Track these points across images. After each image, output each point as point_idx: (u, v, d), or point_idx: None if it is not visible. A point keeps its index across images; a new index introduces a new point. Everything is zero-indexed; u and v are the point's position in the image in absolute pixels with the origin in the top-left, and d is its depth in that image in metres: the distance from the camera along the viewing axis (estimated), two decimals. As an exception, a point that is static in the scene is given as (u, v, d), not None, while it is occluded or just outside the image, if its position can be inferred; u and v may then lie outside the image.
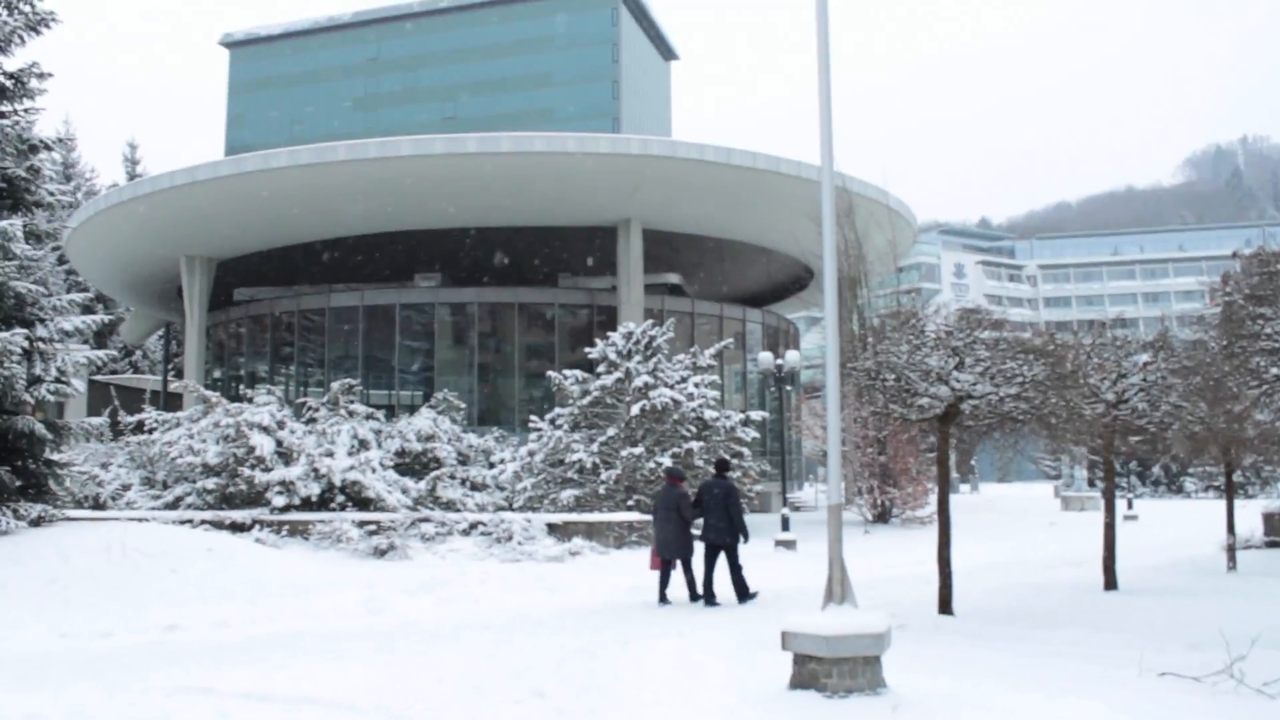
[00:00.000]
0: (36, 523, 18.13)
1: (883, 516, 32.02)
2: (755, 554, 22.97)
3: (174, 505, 25.15)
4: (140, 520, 22.13)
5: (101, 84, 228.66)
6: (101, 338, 65.88)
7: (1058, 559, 21.61)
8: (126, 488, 26.58)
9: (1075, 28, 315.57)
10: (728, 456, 27.37)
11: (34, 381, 18.43)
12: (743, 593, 14.98)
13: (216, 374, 44.39)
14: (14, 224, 17.52)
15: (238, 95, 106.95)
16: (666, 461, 25.83)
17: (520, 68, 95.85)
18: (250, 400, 27.81)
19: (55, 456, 19.91)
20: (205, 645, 10.84)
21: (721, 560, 15.18)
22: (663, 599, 14.86)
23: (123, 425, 29.64)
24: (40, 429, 17.93)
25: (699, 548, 15.24)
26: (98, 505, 26.28)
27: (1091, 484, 58.93)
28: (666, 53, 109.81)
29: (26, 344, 17.60)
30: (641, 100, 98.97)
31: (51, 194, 19.78)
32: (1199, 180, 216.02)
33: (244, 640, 11.24)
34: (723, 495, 15.21)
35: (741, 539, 15.27)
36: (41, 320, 18.91)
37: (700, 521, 15.27)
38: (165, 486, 26.10)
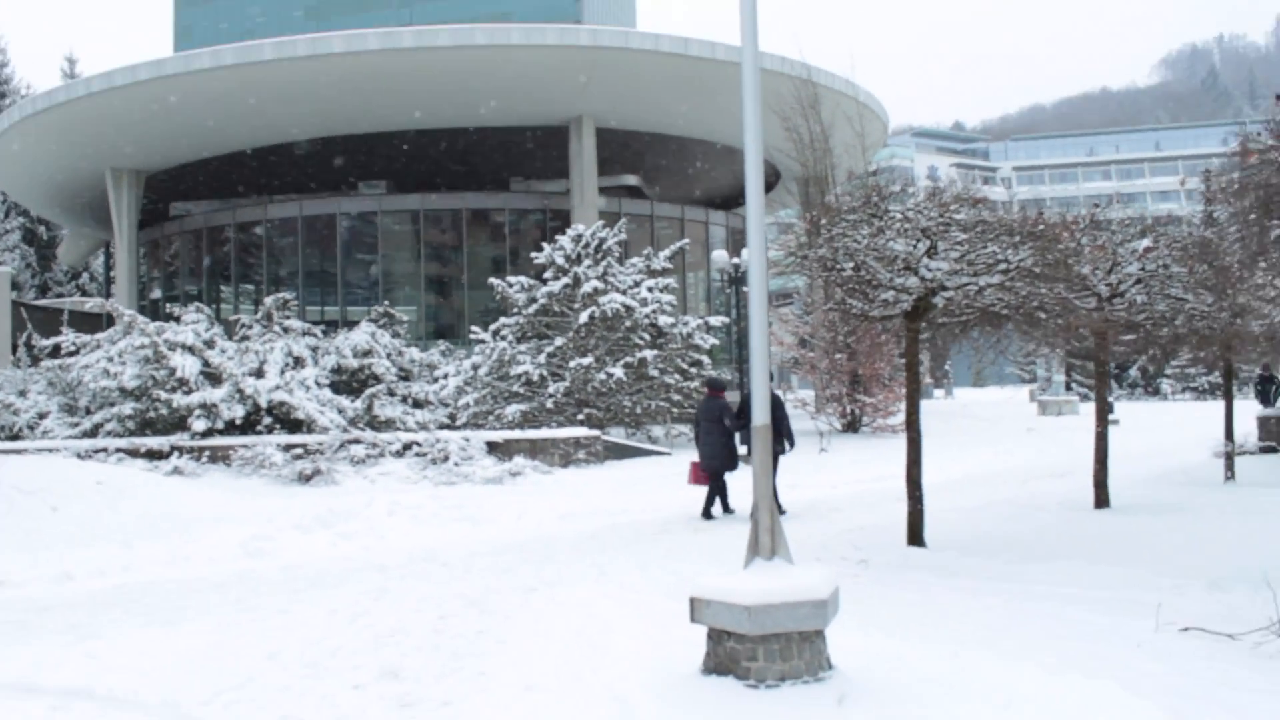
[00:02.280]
0: (-101, 458, 16.21)
1: (852, 425, 30.41)
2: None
3: (93, 433, 23.35)
4: (19, 451, 20.31)
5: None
6: (45, 259, 63.62)
7: (1039, 469, 19.99)
8: (44, 416, 24.74)
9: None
10: (686, 365, 25.68)
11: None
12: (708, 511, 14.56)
13: (156, 294, 42.15)
14: None
15: (185, 7, 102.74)
16: (618, 372, 24.09)
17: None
18: (177, 319, 25.87)
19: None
20: (24, 606, 9.04)
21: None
22: (708, 514, 14.45)
23: (38, 350, 27.65)
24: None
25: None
26: (14, 436, 24.51)
27: (1069, 387, 57.69)
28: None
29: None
30: (604, 4, 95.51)
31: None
32: (1174, 80, 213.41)
33: (79, 597, 9.46)
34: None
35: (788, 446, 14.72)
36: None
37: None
38: (88, 413, 24.23)
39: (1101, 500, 13.51)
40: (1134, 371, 59.41)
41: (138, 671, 6.55)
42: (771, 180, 43.75)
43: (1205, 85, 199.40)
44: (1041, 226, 10.05)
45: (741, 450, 14.53)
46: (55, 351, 26.11)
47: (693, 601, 5.79)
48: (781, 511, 13.81)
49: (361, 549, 12.00)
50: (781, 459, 14.43)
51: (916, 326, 10.46)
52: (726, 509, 14.67)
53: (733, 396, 20.79)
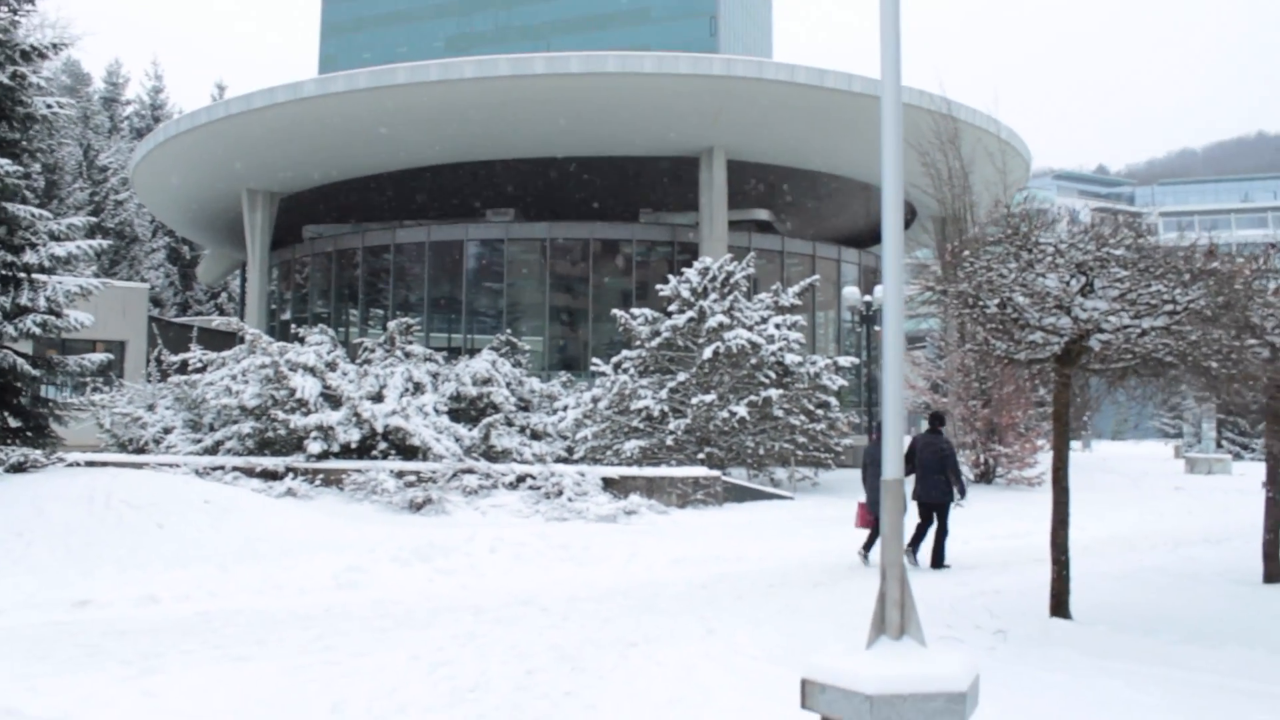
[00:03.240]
0: (18, 468, 16.17)
1: (986, 476, 28.99)
2: (840, 517, 20.30)
3: (213, 450, 23.36)
4: (139, 465, 20.29)
5: (194, 28, 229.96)
6: (186, 278, 65.37)
7: (1191, 534, 18.50)
8: (169, 430, 24.91)
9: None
10: (813, 406, 24.68)
11: (19, 312, 16.41)
12: (939, 559, 14.04)
13: (285, 315, 42.65)
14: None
15: (330, 37, 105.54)
16: (741, 411, 23.22)
17: (615, 4, 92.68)
18: (301, 340, 25.84)
19: (55, 395, 18.00)
20: (101, 630, 8.60)
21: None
22: (867, 558, 14.06)
23: (166, 365, 27.95)
24: (23, 364, 15.94)
25: (911, 507, 13.85)
26: (140, 449, 24.72)
27: (1219, 444, 54.80)
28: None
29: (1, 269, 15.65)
30: (740, 38, 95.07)
31: (49, 106, 17.65)
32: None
33: (159, 623, 9.00)
34: (939, 451, 14.26)
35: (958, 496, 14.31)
36: (33, 245, 16.87)
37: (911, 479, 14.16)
38: (211, 430, 24.29)
39: (1273, 574, 12.19)
40: None
41: (187, 718, 5.94)
42: (908, 218, 42.49)
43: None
44: (1216, 263, 8.94)
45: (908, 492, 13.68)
46: (184, 368, 26.32)
47: (804, 684, 4.91)
48: (946, 565, 13.92)
49: (458, 586, 11.36)
50: (952, 509, 14.27)
51: (1068, 372, 9.43)
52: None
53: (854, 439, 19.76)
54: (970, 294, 9.15)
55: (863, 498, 14.68)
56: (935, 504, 14.19)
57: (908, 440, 14.85)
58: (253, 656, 7.66)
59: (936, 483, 14.15)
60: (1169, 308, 8.59)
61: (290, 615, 9.47)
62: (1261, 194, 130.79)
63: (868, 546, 14.17)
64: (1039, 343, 9.07)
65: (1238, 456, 49.91)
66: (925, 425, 15.20)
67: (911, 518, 13.68)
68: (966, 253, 9.32)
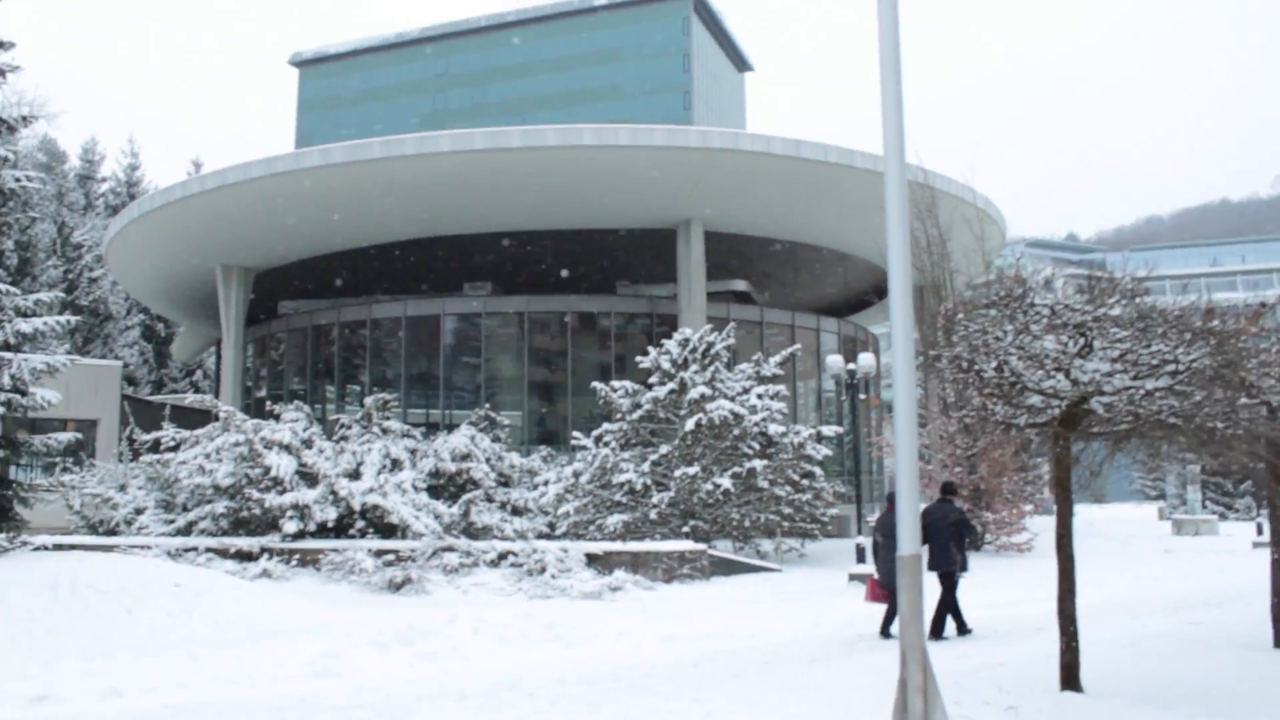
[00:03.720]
0: (-18, 554, 15.63)
1: (973, 543, 28.60)
2: (830, 589, 19.93)
3: (186, 531, 22.86)
4: (109, 547, 19.78)
5: (171, 106, 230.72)
6: (161, 355, 64.74)
7: (1189, 597, 18.14)
8: (140, 511, 24.35)
9: (1153, 37, 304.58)
10: (798, 477, 24.34)
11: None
12: (938, 629, 13.71)
13: (261, 392, 42.12)
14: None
15: (307, 114, 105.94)
16: (725, 483, 22.87)
17: (589, 80, 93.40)
18: (276, 417, 25.38)
19: (24, 476, 17.50)
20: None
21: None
22: (886, 633, 13.49)
23: (138, 444, 27.38)
24: (-14, 446, 15.49)
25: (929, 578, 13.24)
26: (111, 531, 24.13)
27: (1204, 505, 54.61)
28: (740, 63, 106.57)
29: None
30: (715, 112, 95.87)
31: (18, 180, 17.37)
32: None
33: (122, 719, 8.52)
34: (955, 521, 14.06)
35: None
36: (-3, 322, 16.49)
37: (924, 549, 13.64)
38: (184, 510, 23.75)
39: (1281, 639, 11.87)
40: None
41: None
42: (885, 287, 42.47)
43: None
44: (1216, 322, 8.72)
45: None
46: (156, 446, 25.79)
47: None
48: (968, 631, 13.75)
49: (441, 671, 10.89)
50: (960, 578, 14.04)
51: (1068, 436, 9.17)
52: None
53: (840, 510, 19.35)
54: (965, 358, 8.89)
55: (874, 571, 14.50)
56: (945, 573, 13.92)
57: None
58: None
59: (950, 552, 13.90)
60: (1171, 368, 8.35)
61: (262, 707, 9.01)
62: (1229, 258, 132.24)
63: (887, 622, 13.68)
64: (1039, 406, 8.81)
65: (1222, 517, 49.76)
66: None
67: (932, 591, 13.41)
68: (960, 316, 9.08)
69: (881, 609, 14.19)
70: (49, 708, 8.92)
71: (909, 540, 5.26)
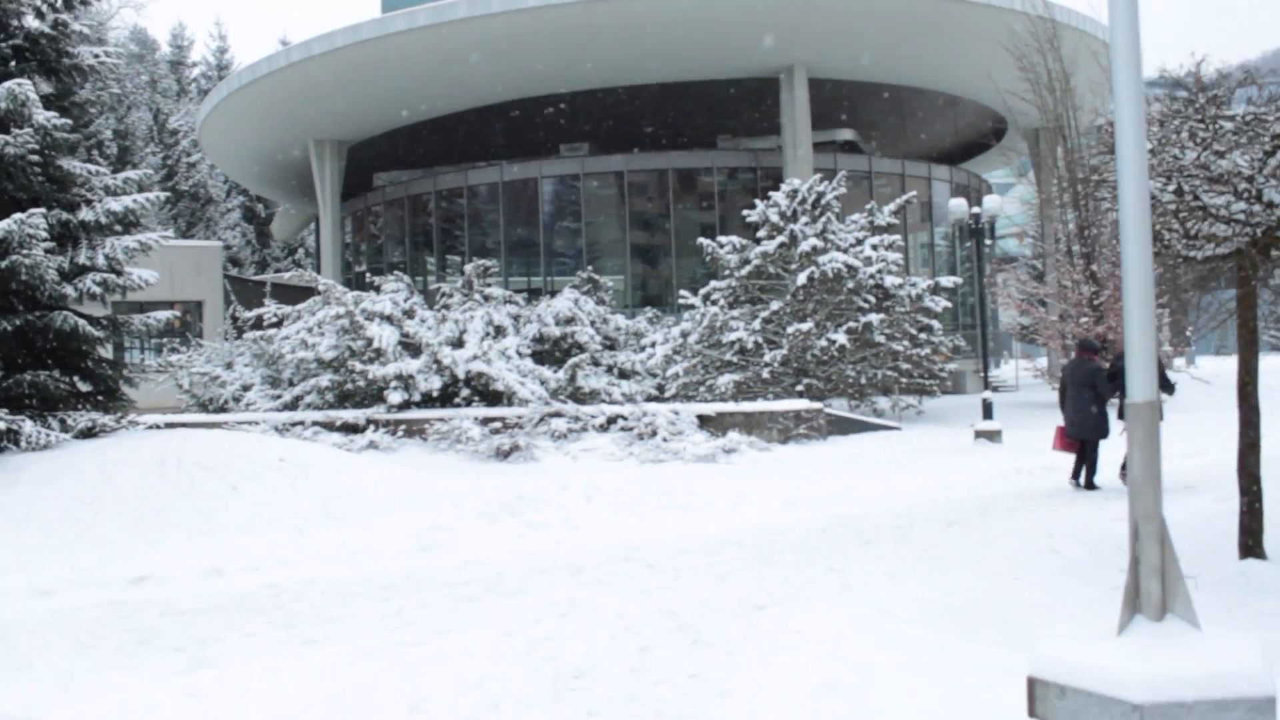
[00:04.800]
0: (87, 433, 15.35)
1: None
2: (955, 447, 18.98)
3: (293, 406, 22.65)
4: (215, 425, 19.58)
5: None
6: (263, 236, 65.12)
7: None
8: (248, 388, 24.25)
9: None
10: (915, 331, 23.22)
11: (78, 272, 15.52)
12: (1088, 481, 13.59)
13: (361, 266, 41.86)
14: (23, 84, 14.41)
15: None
16: (840, 338, 21.86)
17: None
18: (377, 289, 24.94)
19: (115, 357, 17.19)
20: (160, 610, 7.64)
21: None
22: (1078, 483, 13.55)
23: (241, 321, 27.23)
24: (85, 326, 15.04)
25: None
26: (220, 409, 24.08)
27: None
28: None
29: (55, 227, 14.75)
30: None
31: (96, 56, 16.65)
32: None
33: (223, 599, 8.00)
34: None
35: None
36: (88, 202, 15.94)
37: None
38: (290, 385, 23.56)
39: None
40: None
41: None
42: (1000, 130, 40.45)
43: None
44: None
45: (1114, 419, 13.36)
46: (259, 324, 25.58)
47: (1034, 684, 3.63)
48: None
49: (552, 543, 10.22)
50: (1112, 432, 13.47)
51: (1252, 271, 7.98)
52: (1091, 485, 13.49)
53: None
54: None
55: (1060, 421, 14.09)
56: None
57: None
58: (322, 639, 6.60)
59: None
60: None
61: (367, 585, 8.42)
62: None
63: (1076, 473, 13.60)
64: (1221, 236, 7.62)
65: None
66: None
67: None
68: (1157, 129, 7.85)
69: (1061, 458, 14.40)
70: (149, 589, 8.45)
71: (1142, 384, 4.27)
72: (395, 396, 20.95)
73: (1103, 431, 13.54)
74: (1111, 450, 13.83)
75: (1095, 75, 28.97)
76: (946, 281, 24.76)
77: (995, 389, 33.71)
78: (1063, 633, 3.99)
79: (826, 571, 8.25)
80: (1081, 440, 13.57)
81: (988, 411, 19.93)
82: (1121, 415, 12.93)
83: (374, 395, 21.74)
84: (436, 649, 6.20)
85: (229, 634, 6.83)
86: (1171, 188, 7.57)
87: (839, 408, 22.36)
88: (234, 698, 5.44)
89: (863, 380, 22.96)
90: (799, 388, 22.44)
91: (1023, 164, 42.88)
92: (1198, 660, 3.52)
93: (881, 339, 22.61)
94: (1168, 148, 7.60)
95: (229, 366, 25.48)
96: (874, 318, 22.42)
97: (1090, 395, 13.55)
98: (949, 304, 24.77)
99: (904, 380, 23.37)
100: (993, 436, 19.21)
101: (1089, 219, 27.78)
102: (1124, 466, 12.79)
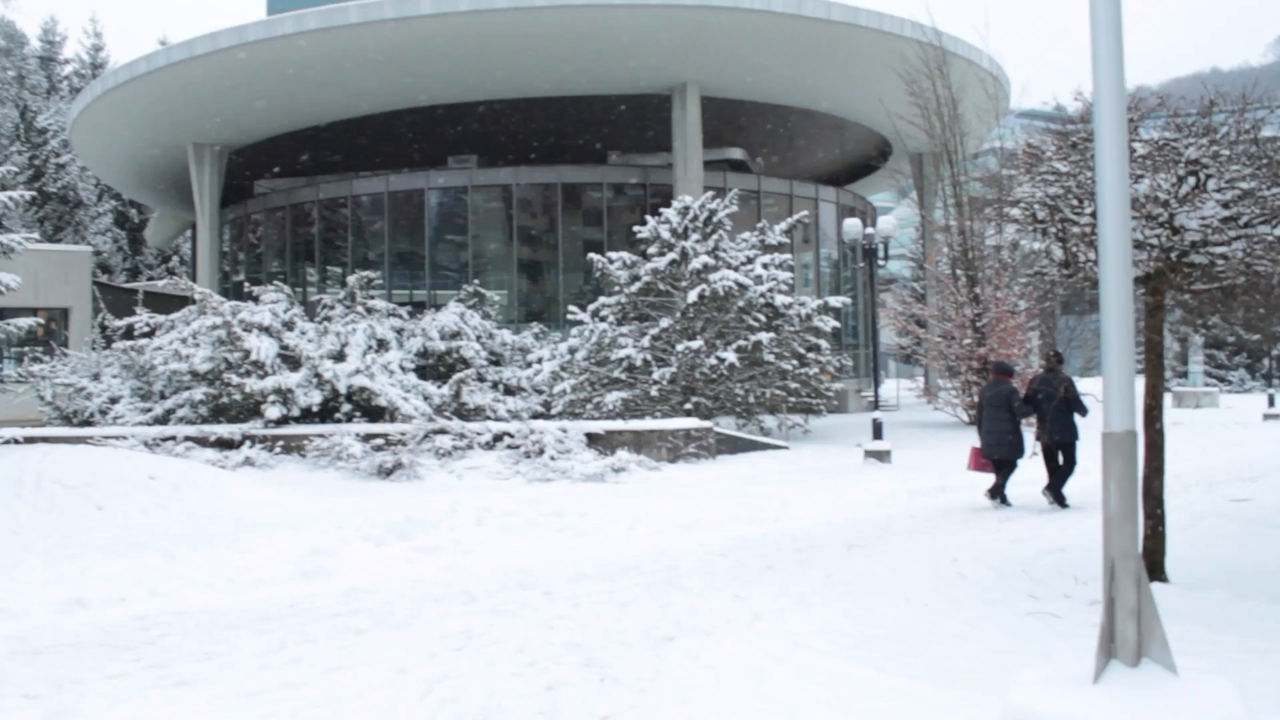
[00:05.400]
0: (-64, 448, 14.46)
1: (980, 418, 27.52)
2: (845, 466, 18.97)
3: (164, 420, 21.71)
4: (79, 440, 18.68)
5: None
6: (136, 242, 62.98)
7: (1218, 472, 17.12)
8: (115, 400, 23.17)
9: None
10: (803, 350, 23.24)
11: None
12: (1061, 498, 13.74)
13: (239, 276, 40.63)
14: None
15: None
16: (730, 357, 21.77)
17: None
18: (256, 299, 24.12)
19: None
20: (8, 649, 6.98)
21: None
22: (995, 501, 13.90)
23: (111, 330, 26.09)
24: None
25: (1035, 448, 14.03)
26: (85, 422, 22.98)
27: (1213, 377, 53.95)
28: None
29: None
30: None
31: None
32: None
33: (84, 635, 7.36)
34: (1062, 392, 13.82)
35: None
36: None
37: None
38: (161, 398, 22.57)
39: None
40: (1269, 361, 55.00)
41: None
42: (884, 152, 41.02)
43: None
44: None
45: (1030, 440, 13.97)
46: (130, 333, 24.54)
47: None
48: (1065, 505, 13.49)
49: (443, 568, 9.77)
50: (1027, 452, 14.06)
51: (1161, 297, 7.98)
52: (1004, 500, 13.90)
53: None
54: (1049, 203, 7.63)
55: (976, 441, 14.53)
56: (1061, 443, 13.72)
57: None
58: (197, 680, 6.09)
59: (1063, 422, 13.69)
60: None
61: (246, 615, 7.88)
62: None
63: (994, 492, 13.92)
64: (1134, 259, 7.57)
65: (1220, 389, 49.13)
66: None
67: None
68: (1049, 154, 7.79)
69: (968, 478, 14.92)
70: (2, 624, 7.79)
71: (1120, 413, 4.08)
72: (274, 411, 20.25)
73: (1018, 451, 13.89)
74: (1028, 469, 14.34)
75: (981, 102, 29.54)
76: (835, 301, 24.89)
77: (878, 407, 34.04)
78: (1032, 679, 3.77)
79: (733, 599, 7.99)
80: (997, 460, 13.94)
81: (878, 431, 20.00)
82: (1038, 437, 13.79)
83: (251, 410, 21.00)
84: (325, 690, 5.75)
85: (91, 676, 6.27)
86: (1089, 209, 7.51)
87: (727, 426, 22.25)
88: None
89: (751, 399, 22.90)
90: (687, 406, 22.29)
91: (905, 186, 43.62)
92: (1181, 710, 3.33)
93: (771, 358, 22.58)
94: (1083, 170, 7.54)
95: (96, 378, 24.36)
96: (764, 336, 22.38)
97: (1006, 416, 13.91)
98: (838, 324, 24.89)
99: (791, 399, 23.38)
100: (882, 456, 19.26)
101: (972, 242, 28.22)
102: (1047, 487, 13.66)
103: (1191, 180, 7.14)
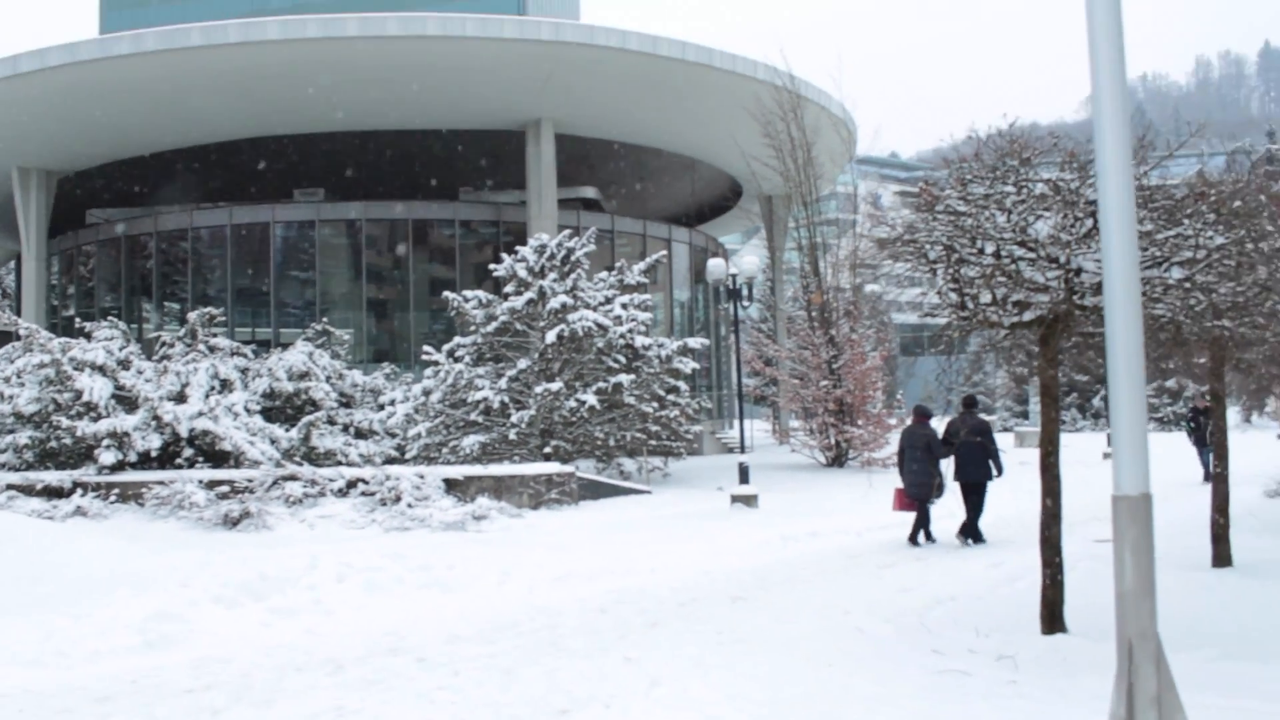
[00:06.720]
0: None
1: (838, 459, 27.73)
2: (712, 511, 18.66)
3: (-16, 464, 20.19)
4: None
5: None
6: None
7: (1075, 512, 17.18)
8: (-71, 444, 21.48)
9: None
10: (663, 392, 22.97)
11: None
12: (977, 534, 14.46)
13: (69, 311, 38.51)
14: None
15: (112, 13, 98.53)
16: (590, 399, 21.35)
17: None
18: (88, 336, 22.76)
19: None
20: None
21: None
22: (924, 539, 14.51)
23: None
24: None
25: (955, 488, 14.59)
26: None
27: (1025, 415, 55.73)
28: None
29: None
30: (547, 11, 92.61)
31: None
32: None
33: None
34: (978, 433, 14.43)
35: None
36: None
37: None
38: (-15, 441, 21.03)
39: (1222, 557, 11.03)
40: (1098, 401, 57.06)
41: None
42: (733, 197, 41.37)
43: (1133, 120, 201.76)
44: (1238, 203, 7.42)
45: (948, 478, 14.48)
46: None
47: None
48: (982, 540, 14.23)
49: (304, 631, 9.03)
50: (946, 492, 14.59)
51: (1055, 341, 7.84)
52: (929, 538, 14.58)
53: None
54: (946, 243, 7.41)
55: (899, 482, 14.99)
56: (973, 483, 14.40)
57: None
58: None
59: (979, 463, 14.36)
60: (1186, 254, 7.05)
61: (81, 696, 7.01)
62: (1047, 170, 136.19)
63: (914, 535, 14.43)
64: (1031, 302, 7.42)
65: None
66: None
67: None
68: (949, 191, 7.59)
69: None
70: None
71: (1132, 474, 3.75)
72: (108, 456, 19.06)
73: (939, 491, 14.47)
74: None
75: (834, 145, 29.88)
76: (694, 343, 24.72)
77: (728, 449, 34.05)
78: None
79: (623, 662, 7.51)
80: (921, 500, 14.45)
81: (744, 475, 19.73)
82: (955, 477, 14.32)
83: (83, 454, 19.77)
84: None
85: None
86: (990, 249, 7.30)
87: (586, 470, 21.78)
88: None
89: (611, 442, 22.51)
90: (546, 449, 21.76)
91: (750, 229, 44.02)
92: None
93: (631, 400, 22.22)
94: (987, 209, 7.36)
95: (-91, 419, 22.60)
96: (624, 378, 22.02)
97: (927, 458, 14.39)
98: (698, 365, 24.71)
99: (652, 442, 23.05)
100: (749, 501, 19.01)
101: (825, 284, 28.49)
102: (962, 528, 14.31)
103: (1090, 221, 6.98)
